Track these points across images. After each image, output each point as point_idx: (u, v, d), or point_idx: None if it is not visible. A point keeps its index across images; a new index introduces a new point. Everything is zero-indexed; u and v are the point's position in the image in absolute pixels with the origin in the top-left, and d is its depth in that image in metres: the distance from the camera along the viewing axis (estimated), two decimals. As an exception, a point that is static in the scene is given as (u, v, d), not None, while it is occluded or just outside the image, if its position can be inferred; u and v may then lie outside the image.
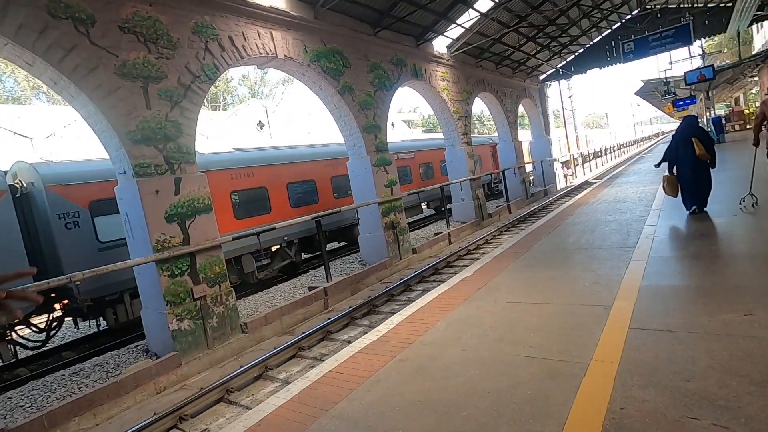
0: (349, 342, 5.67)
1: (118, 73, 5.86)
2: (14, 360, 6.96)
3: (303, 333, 6.11)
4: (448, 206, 14.87)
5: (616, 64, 18.92)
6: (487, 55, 16.07)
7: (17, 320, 6.83)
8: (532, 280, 4.46)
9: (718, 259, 4.19)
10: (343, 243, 13.21)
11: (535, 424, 2.10)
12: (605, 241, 5.53)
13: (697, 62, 19.81)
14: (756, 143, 6.12)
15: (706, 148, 6.12)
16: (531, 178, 23.54)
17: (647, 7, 18.08)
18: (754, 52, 21.86)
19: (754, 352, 2.37)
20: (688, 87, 17.66)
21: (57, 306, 7.50)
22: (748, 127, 24.58)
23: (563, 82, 28.22)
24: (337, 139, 11.70)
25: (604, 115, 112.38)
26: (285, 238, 10.27)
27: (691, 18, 15.07)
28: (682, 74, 16.08)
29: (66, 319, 7.68)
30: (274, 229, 7.60)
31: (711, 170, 6.31)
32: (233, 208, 9.26)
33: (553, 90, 26.73)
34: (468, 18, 12.83)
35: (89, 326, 8.52)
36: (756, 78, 25.62)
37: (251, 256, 9.28)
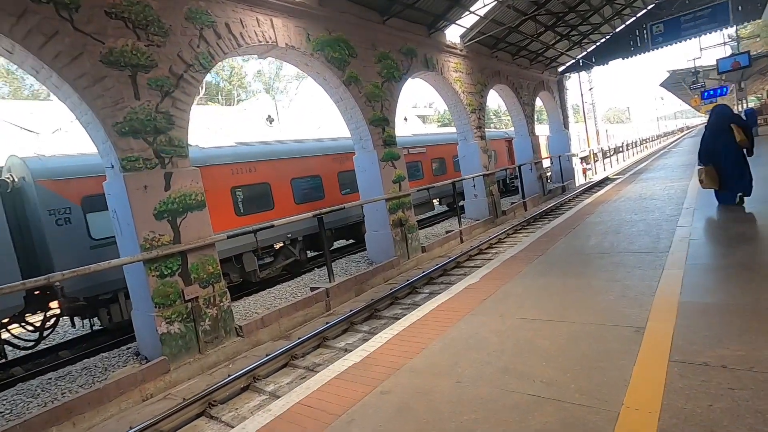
0: (346, 350, 5.25)
1: (104, 61, 5.52)
2: (3, 360, 6.76)
3: (298, 339, 5.70)
4: (460, 203, 14.32)
5: (641, 53, 17.85)
6: (502, 45, 15.35)
7: (7, 319, 6.62)
8: (546, 291, 3.84)
9: (774, 270, 3.46)
10: (351, 241, 12.80)
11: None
12: (632, 244, 4.88)
13: (729, 51, 18.61)
14: None
15: (745, 134, 5.76)
16: (548, 174, 22.72)
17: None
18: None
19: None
20: (719, 77, 16.57)
21: (52, 305, 7.29)
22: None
23: (583, 74, 27.17)
24: (345, 134, 11.27)
25: (626, 109, 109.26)
26: (289, 235, 9.91)
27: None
28: (714, 62, 15.03)
29: (65, 317, 7.48)
30: (272, 226, 7.20)
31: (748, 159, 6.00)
32: (234, 205, 8.93)
33: (573, 83, 25.71)
34: (483, 5, 12.17)
35: (82, 326, 8.31)
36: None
37: (253, 254, 8.94)
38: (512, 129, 18.57)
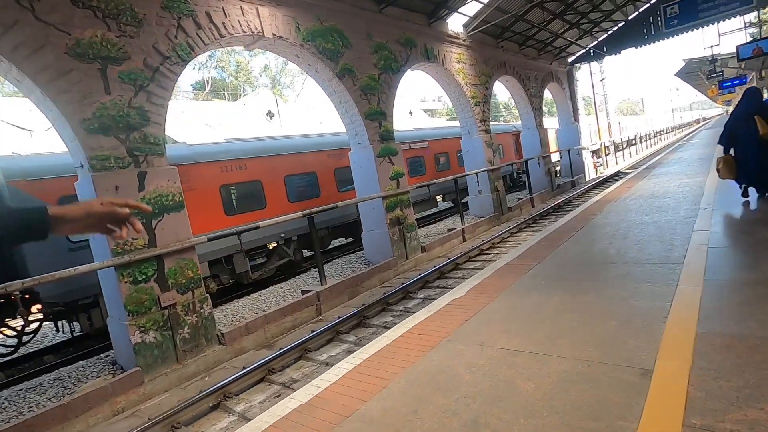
0: (327, 363, 4.86)
1: (70, 54, 5.16)
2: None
3: (280, 349, 5.34)
4: (464, 199, 13.82)
5: (655, 41, 16.96)
6: (508, 35, 14.70)
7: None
8: (537, 311, 3.25)
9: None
10: (350, 239, 12.41)
11: None
12: (641, 251, 4.29)
13: (750, 38, 17.62)
14: None
15: None
16: (558, 168, 22.02)
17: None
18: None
19: None
20: (738, 65, 15.70)
21: (34, 309, 7.03)
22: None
23: (594, 64, 26.27)
24: (343, 129, 10.84)
25: (640, 100, 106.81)
26: (282, 235, 9.56)
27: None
28: (734, 49, 14.20)
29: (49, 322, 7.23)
30: (258, 228, 6.83)
31: None
32: (223, 204, 8.58)
33: (583, 74, 24.88)
34: (486, -9, 11.59)
35: (62, 331, 8.06)
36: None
37: (244, 254, 8.59)
38: (520, 122, 17.94)
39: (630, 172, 14.84)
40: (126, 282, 5.32)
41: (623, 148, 30.31)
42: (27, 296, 6.71)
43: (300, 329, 6.68)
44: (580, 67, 21.98)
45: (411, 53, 10.56)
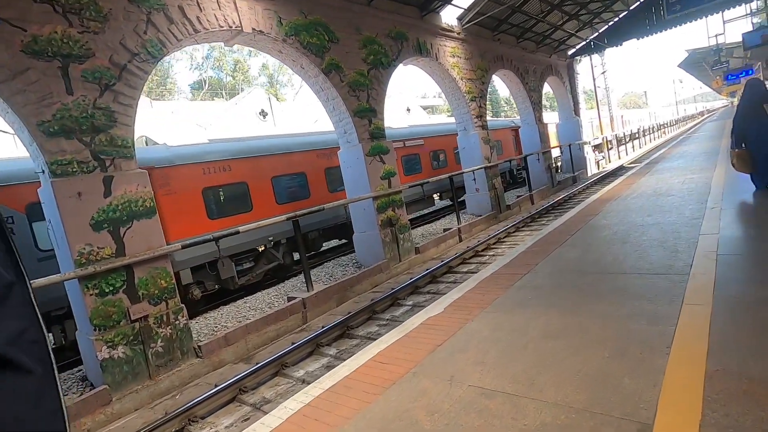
0: (304, 381, 4.52)
1: (26, 51, 4.82)
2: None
3: (256, 364, 5.00)
4: (461, 198, 13.44)
5: (657, 32, 16.43)
6: (505, 27, 14.26)
7: None
8: (520, 335, 2.81)
9: None
10: (344, 241, 12.06)
11: None
12: (641, 259, 3.84)
13: (753, 26, 17.06)
14: None
15: None
16: (558, 163, 21.58)
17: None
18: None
19: None
20: (744, 54, 15.19)
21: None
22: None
23: (595, 57, 25.75)
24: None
25: (643, 93, 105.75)
26: (270, 238, 9.21)
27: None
28: (739, 38, 13.70)
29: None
30: (237, 233, 6.49)
31: None
32: (206, 207, 8.24)
33: (584, 66, 24.34)
34: (480, -18, 11.16)
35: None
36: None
37: (224, 261, 8.26)
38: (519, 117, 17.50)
39: (633, 167, 14.38)
40: (91, 294, 5.00)
41: (626, 142, 29.77)
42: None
43: (283, 339, 6.35)
44: (580, 60, 21.47)
45: (402, 47, 10.17)
